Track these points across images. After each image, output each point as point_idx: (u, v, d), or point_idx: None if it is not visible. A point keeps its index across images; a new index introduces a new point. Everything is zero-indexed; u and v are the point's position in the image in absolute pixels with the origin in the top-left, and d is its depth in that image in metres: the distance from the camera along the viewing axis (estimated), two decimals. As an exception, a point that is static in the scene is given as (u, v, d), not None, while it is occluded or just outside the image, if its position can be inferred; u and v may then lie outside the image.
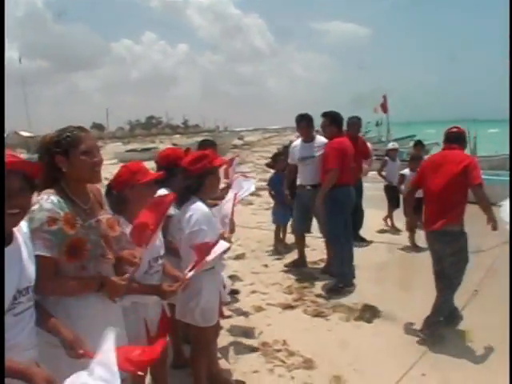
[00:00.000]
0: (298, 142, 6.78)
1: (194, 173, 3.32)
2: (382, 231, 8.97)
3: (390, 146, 10.08)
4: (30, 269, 2.06)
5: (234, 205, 3.81)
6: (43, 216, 2.21)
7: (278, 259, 7.50)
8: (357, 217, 8.01)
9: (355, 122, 8.31)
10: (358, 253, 7.22)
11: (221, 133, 68.85)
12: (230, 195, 3.94)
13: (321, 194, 5.94)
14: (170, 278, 3.06)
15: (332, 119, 6.24)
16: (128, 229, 2.76)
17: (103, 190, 2.77)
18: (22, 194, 1.90)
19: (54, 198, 2.28)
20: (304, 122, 6.54)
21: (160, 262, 3.03)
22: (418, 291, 5.68)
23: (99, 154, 2.43)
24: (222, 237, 3.35)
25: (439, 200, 4.47)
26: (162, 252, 3.07)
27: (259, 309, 5.49)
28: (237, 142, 46.60)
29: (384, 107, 22.84)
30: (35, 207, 2.22)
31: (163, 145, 36.89)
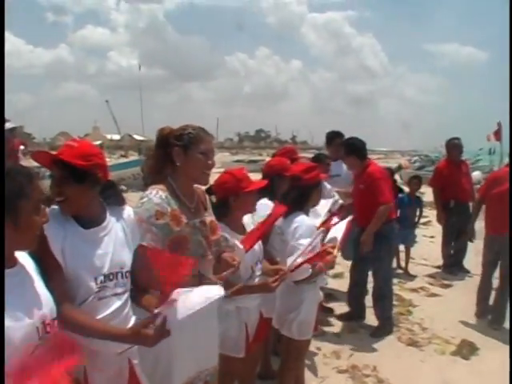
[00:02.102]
0: None
1: (306, 182, 3.36)
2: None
3: None
4: (123, 255, 2.12)
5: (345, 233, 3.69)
6: (152, 209, 2.31)
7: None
8: (462, 245, 7.77)
9: (455, 144, 7.90)
10: (461, 285, 6.96)
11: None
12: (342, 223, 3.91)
13: (371, 231, 5.23)
14: (271, 273, 3.06)
15: (348, 148, 5.44)
16: (227, 234, 2.82)
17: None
18: (64, 183, 1.97)
19: (163, 194, 2.37)
20: (338, 139, 6.12)
21: (260, 266, 3.07)
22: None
23: (213, 159, 2.52)
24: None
25: None
26: (261, 257, 3.12)
27: (352, 330, 5.41)
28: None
29: (498, 135, 21.71)
30: (144, 199, 2.34)
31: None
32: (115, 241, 2.10)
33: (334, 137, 6.28)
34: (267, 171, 3.92)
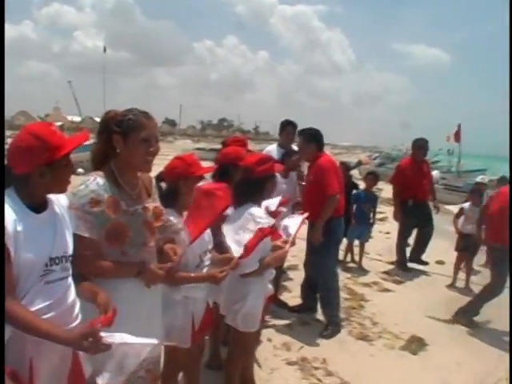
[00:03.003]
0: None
1: (258, 174, 3.29)
2: (440, 262, 8.49)
3: (479, 179, 9.65)
4: (66, 239, 2.09)
5: (299, 227, 3.70)
6: (87, 196, 2.21)
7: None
8: (424, 238, 7.98)
9: (422, 145, 8.02)
10: (413, 282, 7.03)
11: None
12: (298, 217, 3.88)
13: (319, 225, 5.10)
14: (220, 263, 3.02)
15: (310, 137, 5.36)
16: (176, 219, 2.75)
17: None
18: None
19: (101, 180, 2.27)
20: (291, 127, 6.12)
21: (209, 255, 3.01)
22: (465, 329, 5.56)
23: (157, 145, 2.39)
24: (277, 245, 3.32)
25: None
26: (210, 246, 3.05)
27: (304, 323, 5.39)
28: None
29: (457, 136, 22.21)
30: (81, 187, 2.23)
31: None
32: (59, 225, 2.07)
33: (286, 124, 6.23)
34: (221, 159, 3.83)
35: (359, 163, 29.53)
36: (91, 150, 2.43)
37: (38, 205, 2.00)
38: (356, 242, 8.13)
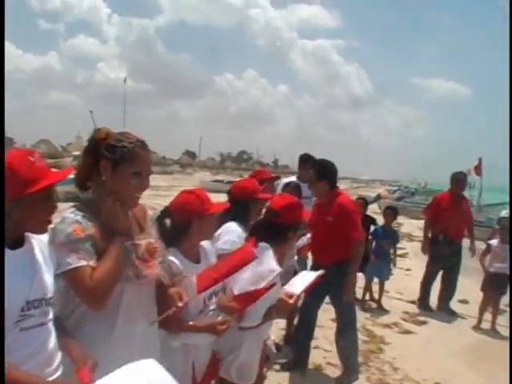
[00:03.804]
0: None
1: (284, 221, 2.98)
2: (463, 301, 8.02)
3: (504, 214, 9.29)
4: (46, 280, 1.83)
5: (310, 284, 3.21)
6: (70, 226, 1.94)
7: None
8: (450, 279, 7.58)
9: (460, 179, 7.69)
10: (436, 323, 6.64)
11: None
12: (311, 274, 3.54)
13: (353, 274, 4.66)
14: (224, 311, 2.72)
15: (321, 173, 4.75)
16: (178, 262, 2.48)
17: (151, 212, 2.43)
18: None
19: (80, 212, 2.01)
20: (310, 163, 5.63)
21: (214, 299, 2.71)
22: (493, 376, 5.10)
23: (147, 180, 2.13)
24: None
25: None
26: (218, 289, 2.74)
27: (318, 367, 5.04)
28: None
29: (478, 170, 21.77)
30: (59, 220, 1.97)
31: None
32: (38, 263, 1.82)
33: (307, 159, 6.06)
34: (239, 193, 3.56)
35: (378, 197, 29.31)
36: (75, 167, 2.17)
37: (12, 241, 1.74)
38: (375, 280, 7.76)
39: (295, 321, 5.30)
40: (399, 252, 10.55)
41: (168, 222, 2.61)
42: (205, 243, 2.78)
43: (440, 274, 7.73)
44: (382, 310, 7.36)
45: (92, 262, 1.94)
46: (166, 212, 2.62)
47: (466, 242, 7.73)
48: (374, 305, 7.60)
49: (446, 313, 7.40)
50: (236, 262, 2.45)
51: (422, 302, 7.69)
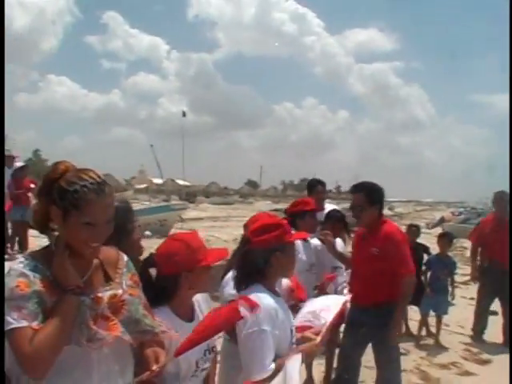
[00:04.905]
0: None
1: (259, 247, 2.50)
2: None
3: None
4: None
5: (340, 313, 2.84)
6: (12, 280, 1.65)
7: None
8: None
9: (502, 198, 7.09)
10: (500, 361, 5.99)
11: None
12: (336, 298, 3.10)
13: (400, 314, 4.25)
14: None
15: (374, 196, 4.22)
16: (170, 322, 2.14)
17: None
18: None
19: (31, 262, 1.71)
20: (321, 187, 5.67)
21: (209, 356, 2.33)
22: None
23: (105, 228, 1.78)
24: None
25: None
26: (213, 344, 2.37)
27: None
28: (387, 212, 45.00)
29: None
30: (6, 271, 1.69)
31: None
32: None
33: (315, 184, 5.72)
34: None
35: (442, 220, 28.18)
36: (33, 210, 1.86)
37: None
38: (432, 313, 7.07)
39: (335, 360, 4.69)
40: (463, 279, 9.85)
41: (153, 271, 2.26)
42: (199, 296, 2.42)
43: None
44: (439, 348, 6.67)
45: (35, 324, 1.62)
46: (150, 261, 2.28)
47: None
48: (431, 341, 6.92)
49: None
50: (219, 321, 2.05)
51: (475, 333, 7.14)
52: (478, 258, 7.39)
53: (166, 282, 2.21)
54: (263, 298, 2.38)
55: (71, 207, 1.70)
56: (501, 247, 6.77)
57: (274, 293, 2.50)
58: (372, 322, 4.00)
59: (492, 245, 6.94)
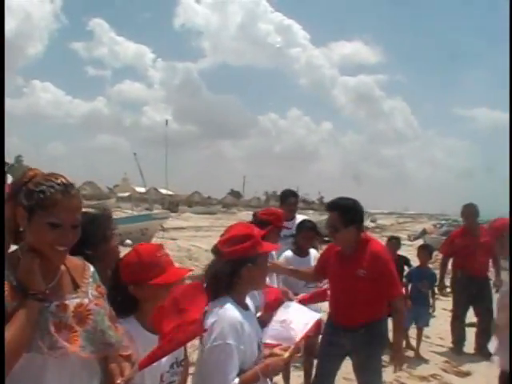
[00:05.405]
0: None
1: (229, 258, 2.42)
2: None
3: None
4: None
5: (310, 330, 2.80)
6: None
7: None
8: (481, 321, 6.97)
9: (471, 211, 7.23)
10: (481, 373, 6.02)
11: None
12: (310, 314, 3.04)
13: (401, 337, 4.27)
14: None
15: (349, 218, 3.85)
16: (137, 334, 2.08)
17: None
18: None
19: None
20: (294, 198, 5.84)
21: (177, 369, 2.26)
22: None
23: (74, 232, 1.74)
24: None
25: None
26: (181, 357, 2.30)
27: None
28: (369, 224, 45.12)
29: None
30: None
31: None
32: None
33: (288, 195, 5.87)
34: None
35: (424, 232, 28.35)
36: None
37: None
38: (413, 325, 6.98)
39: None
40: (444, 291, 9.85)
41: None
42: None
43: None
44: (420, 360, 6.63)
45: None
46: (117, 272, 2.21)
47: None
48: (411, 353, 6.82)
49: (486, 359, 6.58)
50: (182, 334, 2.00)
51: (454, 345, 7.20)
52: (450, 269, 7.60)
53: (123, 291, 2.16)
54: (228, 311, 2.32)
55: (37, 207, 1.68)
56: (471, 258, 6.92)
57: (242, 306, 2.43)
58: (354, 342, 3.89)
59: (463, 256, 7.06)
